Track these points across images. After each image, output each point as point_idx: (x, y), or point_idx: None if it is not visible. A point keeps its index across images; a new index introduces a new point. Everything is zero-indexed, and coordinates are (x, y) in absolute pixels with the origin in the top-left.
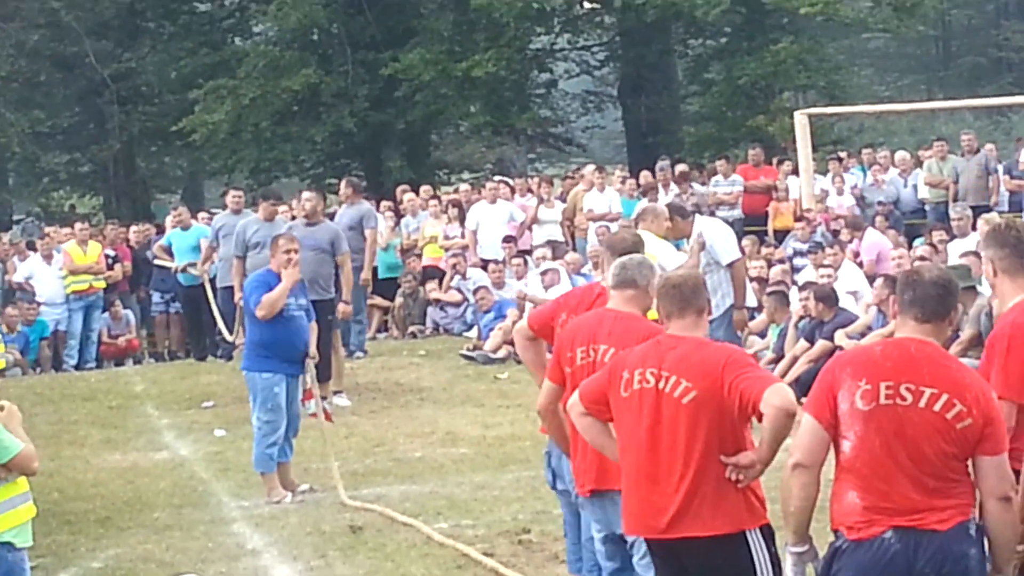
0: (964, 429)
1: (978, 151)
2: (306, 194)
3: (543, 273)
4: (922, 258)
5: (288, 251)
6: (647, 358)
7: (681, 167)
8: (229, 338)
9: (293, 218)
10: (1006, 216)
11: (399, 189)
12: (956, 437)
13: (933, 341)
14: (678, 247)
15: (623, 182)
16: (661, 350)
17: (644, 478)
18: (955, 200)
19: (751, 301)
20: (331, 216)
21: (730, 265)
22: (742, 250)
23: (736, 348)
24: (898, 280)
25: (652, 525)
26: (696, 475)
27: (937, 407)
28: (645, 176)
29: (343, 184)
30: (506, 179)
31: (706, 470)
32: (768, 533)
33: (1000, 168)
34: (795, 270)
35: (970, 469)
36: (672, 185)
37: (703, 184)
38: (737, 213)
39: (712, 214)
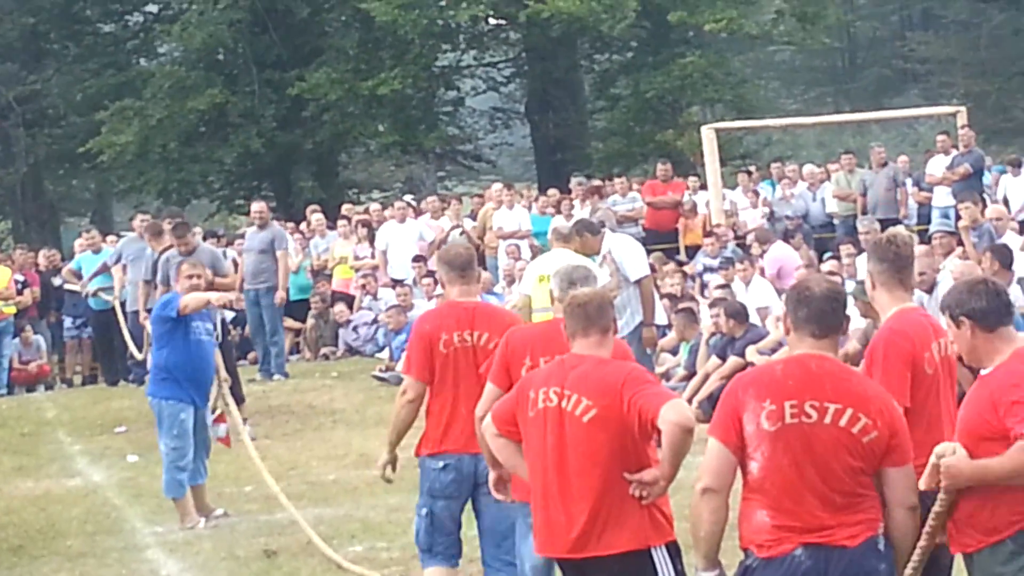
0: (870, 443)
1: (886, 164)
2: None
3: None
4: (831, 273)
5: (191, 276)
6: (551, 377)
7: (593, 182)
8: (138, 356)
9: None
10: (893, 230)
11: (308, 209)
12: (863, 451)
13: (831, 355)
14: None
15: (536, 199)
16: (564, 369)
17: (550, 498)
18: (864, 213)
19: (661, 318)
20: (229, 242)
21: (638, 282)
22: (651, 267)
23: (636, 366)
24: (787, 296)
25: (559, 545)
26: (600, 494)
27: (843, 422)
28: (553, 193)
29: (257, 205)
30: (410, 202)
31: (609, 488)
32: (674, 550)
33: (908, 181)
34: (704, 286)
35: (874, 482)
36: (582, 203)
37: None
38: (637, 231)
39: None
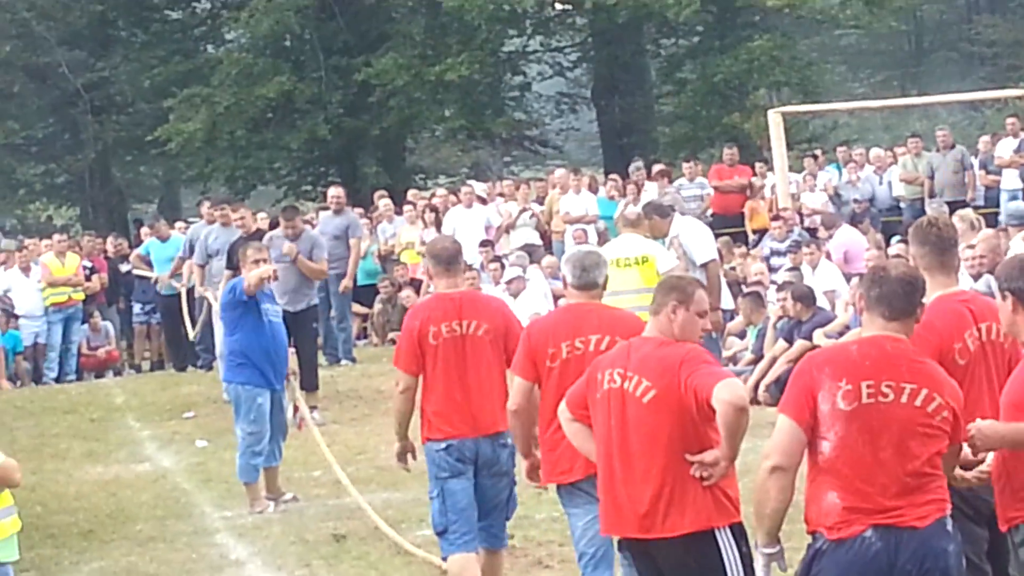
0: (942, 421)
1: (954, 146)
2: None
3: (509, 282)
4: (897, 255)
5: (257, 261)
6: (617, 359)
7: (659, 166)
8: (191, 336)
9: (260, 228)
10: (932, 215)
11: (376, 195)
12: (937, 430)
13: (903, 337)
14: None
15: (604, 183)
16: (630, 351)
17: (615, 479)
18: (931, 196)
19: (727, 303)
20: (308, 224)
21: (704, 265)
22: (718, 252)
23: (694, 347)
24: (864, 277)
25: (625, 526)
26: (662, 475)
27: (918, 402)
28: (615, 178)
29: (334, 191)
30: (478, 187)
31: (672, 469)
32: (739, 531)
33: (975, 163)
34: (772, 270)
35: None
36: (648, 184)
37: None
38: (705, 215)
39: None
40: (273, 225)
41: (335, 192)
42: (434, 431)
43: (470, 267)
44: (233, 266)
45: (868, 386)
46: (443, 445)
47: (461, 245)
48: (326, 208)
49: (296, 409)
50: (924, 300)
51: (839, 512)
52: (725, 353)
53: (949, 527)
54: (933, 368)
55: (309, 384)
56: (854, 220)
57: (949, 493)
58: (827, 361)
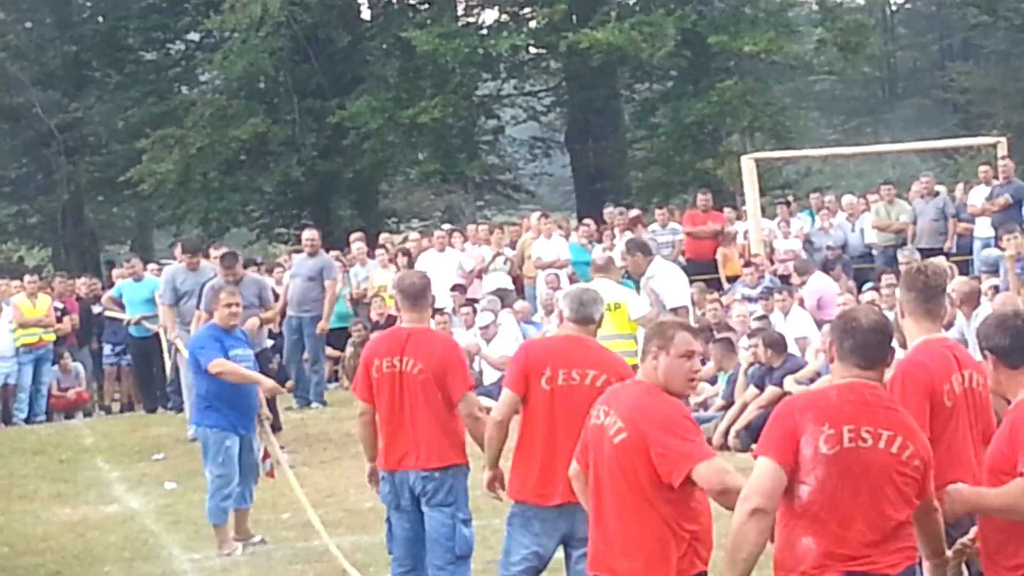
0: (915, 469)
1: (937, 194)
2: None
3: (483, 327)
4: (870, 303)
5: (229, 304)
6: (607, 398)
7: (633, 212)
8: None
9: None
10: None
11: (353, 237)
12: (910, 477)
13: (878, 385)
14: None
15: (576, 229)
16: (619, 391)
17: (593, 515)
18: (911, 241)
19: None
20: (268, 270)
21: (674, 310)
22: (692, 298)
23: (676, 407)
24: (833, 325)
25: (594, 561)
26: (623, 515)
27: (894, 448)
28: (589, 223)
29: (308, 233)
30: (458, 228)
31: (633, 512)
32: None
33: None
34: (741, 317)
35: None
36: (621, 233)
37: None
38: (681, 261)
39: None
40: (246, 266)
41: (310, 235)
42: (380, 461)
43: (441, 311)
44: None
45: (849, 430)
46: (383, 476)
47: (429, 280)
48: (299, 250)
49: (267, 455)
50: (908, 344)
51: (814, 557)
52: (696, 399)
53: (918, 575)
54: (907, 417)
55: (273, 425)
56: (825, 267)
57: None
58: (809, 405)
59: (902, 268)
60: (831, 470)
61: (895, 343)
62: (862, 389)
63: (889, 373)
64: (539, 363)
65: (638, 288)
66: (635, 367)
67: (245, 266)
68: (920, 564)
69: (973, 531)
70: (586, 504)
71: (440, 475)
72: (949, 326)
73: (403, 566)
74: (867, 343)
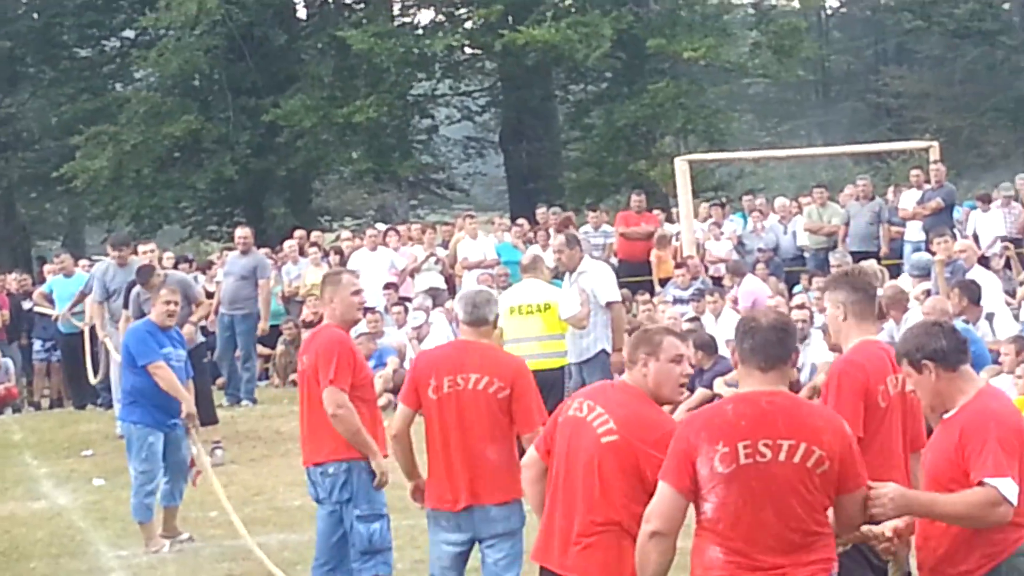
0: (824, 474)
1: (873, 198)
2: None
3: (415, 327)
4: (800, 306)
5: (168, 302)
6: (590, 393)
7: (566, 213)
8: (92, 381)
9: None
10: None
11: (296, 234)
12: (819, 484)
13: (781, 388)
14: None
15: (509, 229)
16: (607, 391)
17: (555, 506)
18: (842, 244)
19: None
20: (201, 268)
21: (609, 305)
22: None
23: (673, 427)
24: (735, 329)
25: (548, 554)
26: (592, 516)
27: (796, 458)
28: (522, 223)
29: (241, 231)
30: (392, 227)
31: (603, 514)
32: None
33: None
34: (672, 318)
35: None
36: (556, 233)
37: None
38: (613, 263)
39: None
40: (177, 264)
41: (242, 233)
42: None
43: (373, 309)
44: (128, 305)
45: (745, 447)
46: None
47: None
48: (232, 248)
49: (192, 463)
50: (844, 346)
51: (721, 565)
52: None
53: None
54: (814, 416)
55: (207, 418)
56: (753, 268)
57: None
58: (703, 425)
59: (833, 271)
60: (730, 488)
61: (825, 345)
62: (758, 399)
63: (817, 377)
64: (425, 374)
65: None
66: (561, 368)
67: (177, 264)
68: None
69: (889, 525)
70: (532, 494)
71: (334, 470)
72: (879, 330)
73: (318, 560)
74: (767, 342)
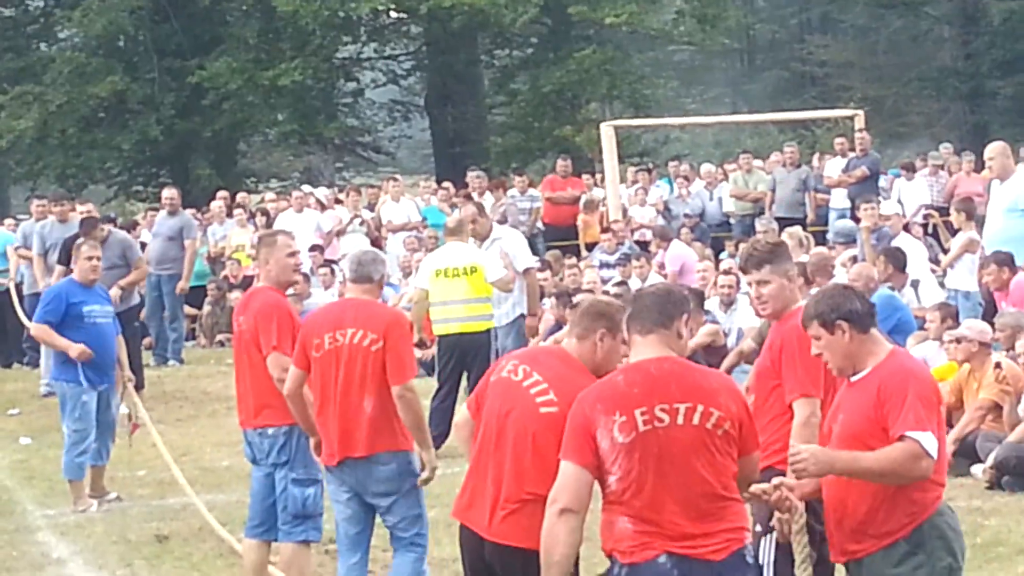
0: (725, 434)
1: (799, 165)
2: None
3: (341, 283)
4: (727, 271)
5: (91, 258)
6: (526, 357)
7: (500, 178)
8: (29, 325)
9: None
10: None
11: (220, 195)
12: (720, 445)
13: (669, 353)
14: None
15: (434, 192)
16: (546, 356)
17: (484, 467)
18: (768, 210)
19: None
20: (126, 227)
21: (525, 271)
22: (547, 263)
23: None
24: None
25: (473, 516)
26: (521, 482)
27: (695, 420)
28: (447, 186)
29: (168, 192)
30: (314, 193)
31: (532, 480)
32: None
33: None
34: (603, 281)
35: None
36: (487, 194)
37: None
38: (537, 226)
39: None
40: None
41: (169, 193)
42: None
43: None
44: (66, 262)
45: (642, 413)
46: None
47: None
48: (156, 209)
49: (130, 417)
50: (756, 315)
51: (631, 535)
52: None
53: (748, 557)
54: (707, 379)
55: (135, 383)
56: (678, 234)
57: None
58: (598, 398)
59: (759, 237)
60: (632, 457)
61: (751, 311)
62: (646, 366)
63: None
64: (309, 335)
65: None
66: (488, 331)
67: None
68: (756, 543)
69: (776, 481)
70: (467, 451)
71: (273, 433)
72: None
73: (252, 521)
74: (644, 308)
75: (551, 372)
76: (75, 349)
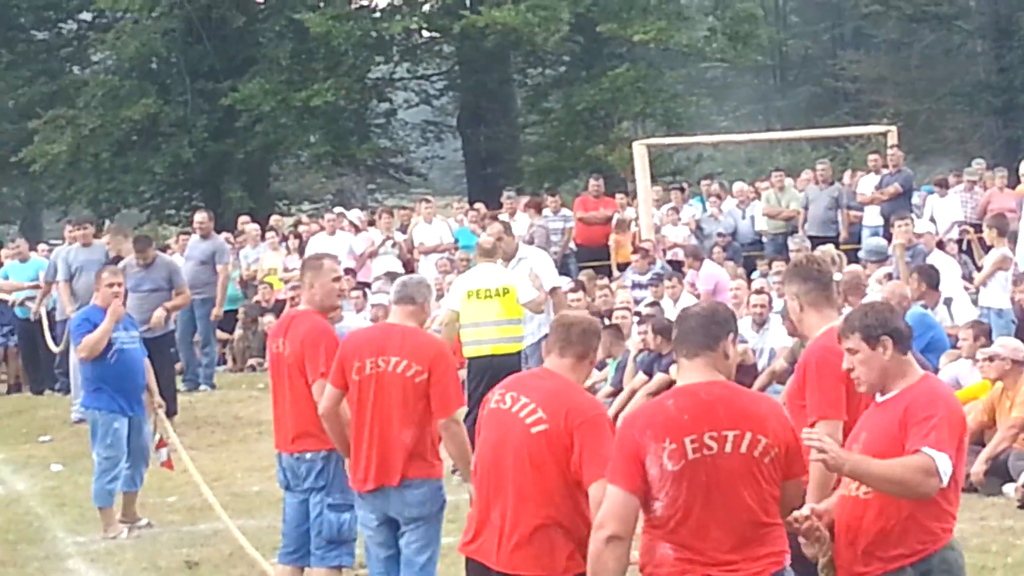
0: (772, 461)
1: (832, 183)
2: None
3: (372, 307)
4: (760, 291)
5: (112, 284)
6: (511, 384)
7: (526, 198)
8: (55, 349)
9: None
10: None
11: (240, 220)
12: (768, 473)
13: (718, 377)
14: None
15: (467, 213)
16: (530, 380)
17: (486, 498)
18: (801, 229)
19: None
20: (163, 249)
21: (552, 291)
22: (581, 284)
23: (601, 410)
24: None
25: (482, 551)
26: (526, 508)
27: (743, 448)
28: (479, 207)
29: (200, 216)
30: (346, 215)
31: (537, 505)
32: None
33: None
34: (635, 302)
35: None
36: (518, 214)
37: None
38: (570, 247)
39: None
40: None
41: (200, 217)
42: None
43: None
44: None
45: (692, 441)
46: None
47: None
48: (188, 233)
49: (162, 443)
50: (810, 334)
51: (672, 562)
52: (584, 383)
53: None
54: (756, 404)
55: (168, 410)
56: (713, 254)
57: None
58: (648, 423)
59: (792, 256)
60: (680, 485)
61: (784, 330)
62: (697, 391)
63: (776, 362)
64: (351, 355)
65: None
66: (519, 353)
67: None
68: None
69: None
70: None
71: (311, 458)
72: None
73: (286, 548)
74: (691, 330)
75: (538, 392)
76: (112, 313)
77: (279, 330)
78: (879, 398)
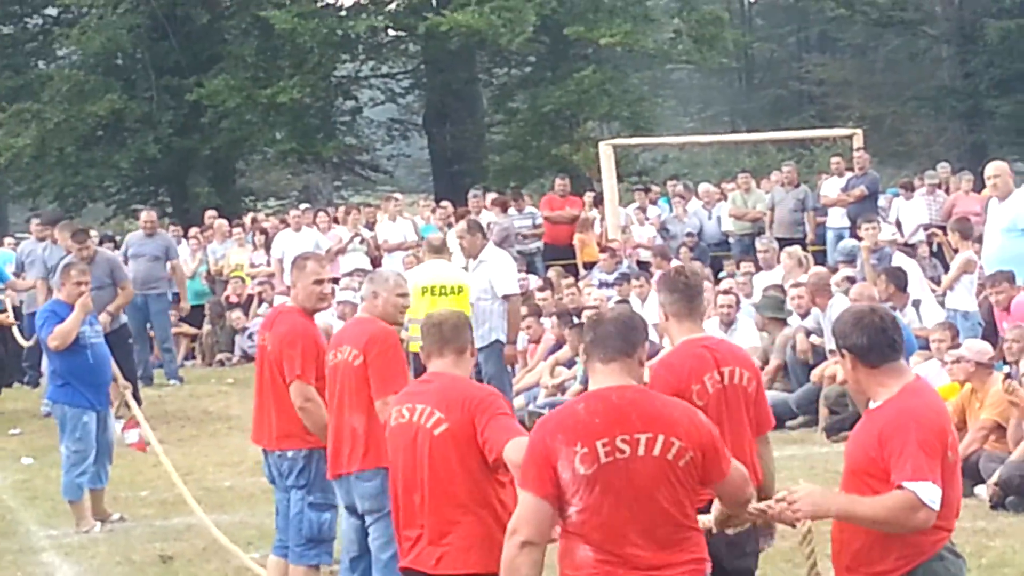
0: (687, 465)
1: (798, 185)
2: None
3: (339, 303)
4: (726, 291)
5: (79, 283)
6: (406, 396)
7: (492, 195)
8: (24, 343)
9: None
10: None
11: (208, 214)
12: (682, 476)
13: (630, 381)
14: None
15: (433, 211)
16: (422, 386)
17: (409, 509)
18: (768, 230)
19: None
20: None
21: (506, 297)
22: (549, 282)
23: (491, 390)
24: (584, 327)
25: (419, 561)
26: (445, 509)
27: (656, 451)
28: (446, 205)
29: (147, 214)
30: (324, 210)
31: (455, 504)
32: None
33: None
34: (606, 300)
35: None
36: (485, 213)
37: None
38: (537, 245)
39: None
40: (102, 242)
41: (147, 215)
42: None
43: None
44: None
45: (604, 444)
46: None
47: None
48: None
49: (131, 423)
50: (672, 344)
51: (592, 564)
52: (552, 382)
53: None
54: (669, 408)
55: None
56: (679, 254)
57: None
58: (558, 427)
59: (760, 256)
60: (593, 489)
61: (752, 330)
62: (608, 395)
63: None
64: (325, 351)
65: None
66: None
67: (101, 242)
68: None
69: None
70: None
71: (293, 456)
72: (805, 315)
73: (280, 541)
74: (607, 334)
75: (430, 395)
76: (81, 305)
77: (266, 324)
78: (870, 405)
